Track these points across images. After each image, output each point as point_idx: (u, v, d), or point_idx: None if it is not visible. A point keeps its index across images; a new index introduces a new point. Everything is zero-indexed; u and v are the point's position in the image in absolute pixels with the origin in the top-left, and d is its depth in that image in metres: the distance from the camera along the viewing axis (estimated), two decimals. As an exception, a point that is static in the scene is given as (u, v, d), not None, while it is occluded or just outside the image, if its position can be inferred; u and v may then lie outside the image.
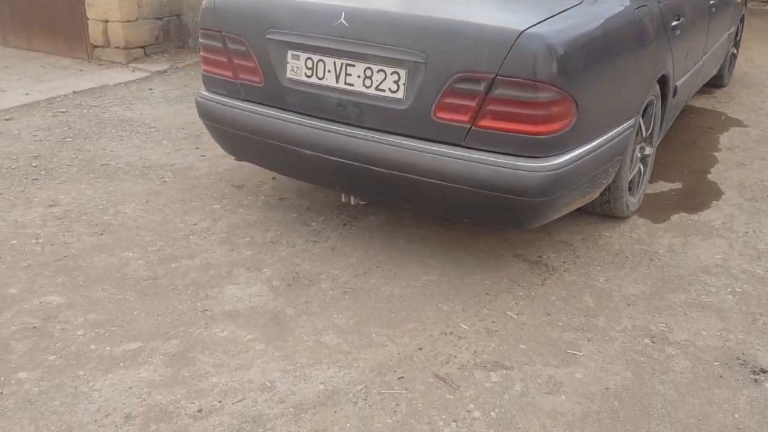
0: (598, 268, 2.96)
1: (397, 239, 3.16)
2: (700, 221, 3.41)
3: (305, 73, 2.79)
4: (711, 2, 4.10)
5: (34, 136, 4.34)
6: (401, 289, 2.78)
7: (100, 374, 2.25)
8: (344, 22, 2.64)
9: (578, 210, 3.04)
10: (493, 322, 2.58)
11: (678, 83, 3.60)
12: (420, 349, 2.42)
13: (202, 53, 3.16)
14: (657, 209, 3.52)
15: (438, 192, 2.62)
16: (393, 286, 2.80)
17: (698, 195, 3.72)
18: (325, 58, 2.73)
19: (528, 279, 2.86)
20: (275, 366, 2.31)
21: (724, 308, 2.70)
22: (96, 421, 2.06)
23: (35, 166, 3.87)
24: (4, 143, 4.19)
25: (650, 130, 3.38)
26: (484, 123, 2.49)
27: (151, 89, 5.44)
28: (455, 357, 2.38)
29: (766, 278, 2.91)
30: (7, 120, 4.60)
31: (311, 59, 2.76)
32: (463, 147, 2.55)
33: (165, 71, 5.93)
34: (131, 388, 2.20)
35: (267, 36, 2.83)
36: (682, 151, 4.34)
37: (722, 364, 2.38)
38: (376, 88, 2.64)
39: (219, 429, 2.04)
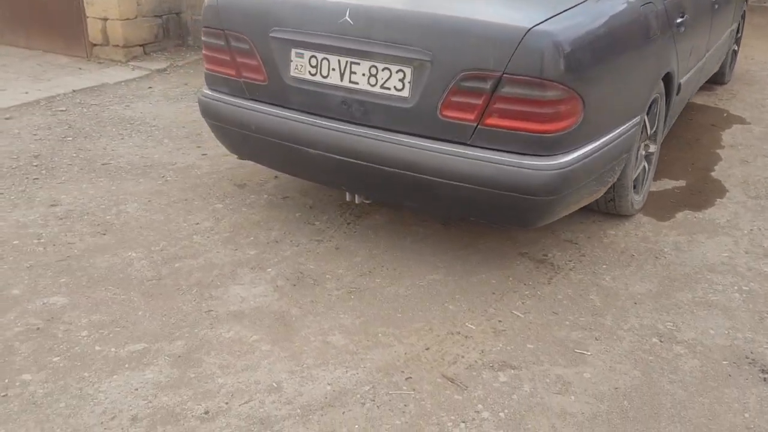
0: (604, 266, 2.95)
1: (401, 238, 3.14)
2: (705, 219, 3.40)
3: (309, 72, 2.77)
4: (714, -1, 4.09)
5: (35, 135, 4.31)
6: (407, 289, 2.76)
7: (105, 376, 2.24)
8: (349, 19, 2.62)
9: (582, 208, 3.03)
10: (500, 321, 2.57)
11: (682, 80, 3.59)
12: (427, 349, 2.41)
13: (204, 51, 3.13)
14: (661, 207, 3.51)
15: (444, 191, 2.60)
16: (398, 285, 2.78)
17: (702, 193, 3.71)
18: (329, 56, 2.71)
19: (534, 278, 2.85)
20: (282, 367, 2.30)
21: (731, 307, 2.69)
22: (102, 423, 2.04)
23: (36, 166, 3.85)
24: (4, 142, 4.16)
25: (655, 128, 3.37)
26: (490, 121, 2.47)
27: (150, 88, 5.42)
28: (463, 357, 2.37)
29: (772, 276, 2.91)
30: (6, 119, 4.58)
31: (315, 57, 2.74)
32: (469, 145, 2.53)
33: (164, 69, 5.90)
34: (137, 389, 2.18)
35: (270, 34, 2.81)
36: (685, 149, 4.33)
37: (731, 363, 2.37)
38: (381, 87, 2.62)
39: (226, 431, 2.02)
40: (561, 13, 2.48)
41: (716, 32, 4.39)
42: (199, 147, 4.18)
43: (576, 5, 2.58)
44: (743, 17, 5.85)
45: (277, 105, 2.91)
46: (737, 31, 5.69)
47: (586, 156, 2.56)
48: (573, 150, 2.52)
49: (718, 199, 3.62)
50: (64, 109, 4.82)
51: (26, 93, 5.11)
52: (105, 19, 6.00)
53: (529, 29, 2.36)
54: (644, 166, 3.37)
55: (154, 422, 2.05)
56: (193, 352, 2.36)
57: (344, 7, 2.64)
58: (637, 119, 2.94)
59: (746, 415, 2.13)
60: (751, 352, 2.42)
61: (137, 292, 2.70)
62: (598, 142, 2.63)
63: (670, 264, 2.98)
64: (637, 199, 3.34)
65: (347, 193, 3.02)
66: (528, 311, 2.63)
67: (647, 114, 3.14)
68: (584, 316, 2.61)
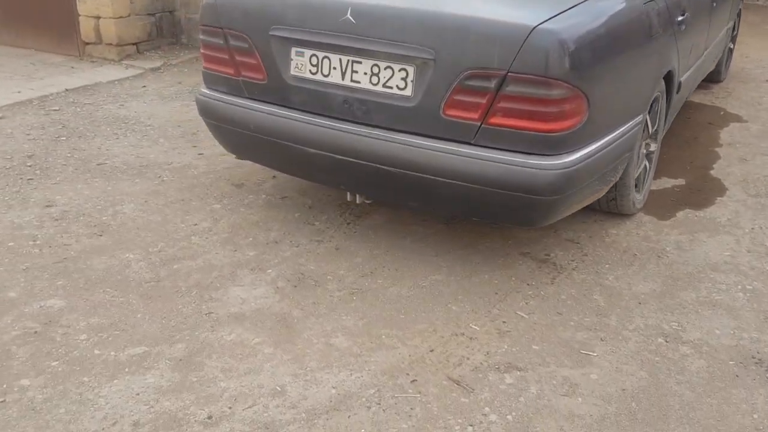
0: (607, 266, 2.93)
1: (402, 238, 3.11)
2: (706, 218, 3.39)
3: (310, 70, 2.74)
4: (712, -3, 4.08)
5: (28, 134, 4.26)
6: (409, 290, 2.73)
7: (105, 380, 2.20)
8: (350, 18, 2.58)
9: (584, 207, 3.01)
10: (504, 322, 2.54)
11: (682, 79, 3.57)
12: (431, 350, 2.38)
13: (202, 50, 3.09)
14: (662, 206, 3.50)
15: (447, 191, 2.58)
16: (400, 286, 2.76)
17: (702, 191, 3.70)
18: (330, 55, 2.68)
19: (537, 278, 2.83)
20: (285, 370, 2.26)
21: (736, 306, 2.67)
22: (103, 429, 2.00)
23: (30, 166, 3.79)
24: (-4, 142, 4.11)
25: (656, 127, 3.35)
26: (494, 120, 2.45)
27: (144, 87, 5.36)
28: (468, 359, 2.34)
29: (775, 275, 2.90)
30: (-1, 118, 4.52)
31: (316, 56, 2.71)
32: (472, 145, 2.51)
33: (158, 68, 5.85)
34: (138, 394, 2.14)
35: (270, 32, 2.77)
36: (684, 147, 4.32)
37: (737, 364, 2.35)
38: (384, 86, 2.59)
39: (230, 436, 1.99)
40: (565, 10, 2.46)
41: (714, 30, 4.39)
42: (195, 146, 4.13)
43: (579, 3, 2.56)
44: (739, 15, 5.85)
45: (276, 104, 2.87)
46: (733, 29, 5.69)
47: (590, 155, 2.54)
48: (577, 149, 2.50)
49: (718, 198, 3.61)
50: (57, 108, 4.77)
51: (19, 92, 5.05)
52: (98, 18, 5.93)
53: (534, 27, 2.33)
54: (645, 165, 3.36)
55: (156, 428, 2.01)
56: (194, 356, 2.33)
57: (346, 5, 2.60)
58: (639, 118, 2.92)
59: (755, 416, 2.12)
60: (758, 352, 2.41)
61: (136, 295, 2.66)
62: (602, 141, 2.61)
63: (673, 263, 2.96)
64: (639, 198, 3.33)
65: (348, 193, 2.99)
66: (532, 312, 2.60)
67: (648, 112, 3.12)
68: (589, 316, 2.59)
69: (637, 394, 2.19)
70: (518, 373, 2.28)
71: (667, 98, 3.41)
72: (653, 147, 3.41)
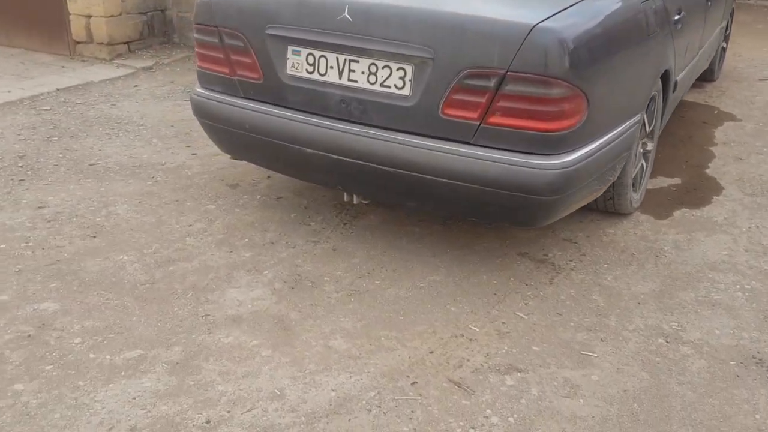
0: (605, 266, 2.91)
1: (399, 238, 3.09)
2: (703, 217, 3.38)
3: (306, 70, 2.71)
4: (707, -4, 4.08)
5: (19, 135, 4.21)
6: (407, 291, 2.71)
7: (101, 384, 2.16)
8: (348, 16, 2.56)
9: (581, 207, 2.99)
10: (504, 323, 2.53)
11: (678, 78, 3.57)
12: (431, 352, 2.36)
13: (197, 49, 3.06)
14: (659, 205, 3.49)
15: (445, 191, 2.56)
16: (398, 287, 2.73)
17: (698, 190, 3.69)
18: (327, 54, 2.65)
19: (535, 278, 2.81)
20: (284, 373, 2.24)
21: (735, 306, 2.66)
22: (100, 434, 1.97)
23: (21, 167, 3.75)
24: (-13, 143, 4.06)
25: (652, 126, 3.34)
26: (493, 120, 2.43)
27: (136, 86, 5.31)
28: (468, 360, 2.32)
29: (773, 274, 2.89)
30: (-11, 119, 4.47)
31: (313, 55, 2.68)
32: (471, 144, 2.49)
33: (150, 67, 5.80)
34: (135, 398, 2.11)
35: (266, 31, 2.74)
36: (679, 146, 4.32)
37: (738, 363, 2.34)
38: (382, 85, 2.57)
39: (229, 440, 1.96)
40: (565, 9, 2.44)
41: (709, 29, 4.39)
42: (188, 146, 4.09)
43: (578, 2, 2.54)
44: (732, 14, 5.86)
45: (272, 104, 2.84)
46: (726, 29, 5.70)
47: (589, 155, 2.52)
48: (577, 149, 2.48)
49: (714, 197, 3.61)
50: (48, 108, 4.72)
51: (9, 92, 4.99)
52: (89, 17, 5.88)
53: (534, 26, 2.31)
54: (642, 164, 3.35)
55: (153, 432, 1.98)
56: (191, 359, 2.30)
57: (343, 3, 2.57)
58: (637, 117, 2.91)
59: (757, 416, 2.11)
60: (758, 352, 2.40)
61: (131, 297, 2.63)
62: (601, 141, 2.60)
63: (671, 263, 2.96)
64: (636, 198, 3.32)
65: (345, 194, 2.96)
66: (531, 312, 2.59)
67: (646, 111, 3.11)
68: (588, 316, 2.57)
69: (639, 395, 2.18)
70: (519, 374, 2.26)
71: (663, 97, 3.41)
72: (650, 146, 3.41)
